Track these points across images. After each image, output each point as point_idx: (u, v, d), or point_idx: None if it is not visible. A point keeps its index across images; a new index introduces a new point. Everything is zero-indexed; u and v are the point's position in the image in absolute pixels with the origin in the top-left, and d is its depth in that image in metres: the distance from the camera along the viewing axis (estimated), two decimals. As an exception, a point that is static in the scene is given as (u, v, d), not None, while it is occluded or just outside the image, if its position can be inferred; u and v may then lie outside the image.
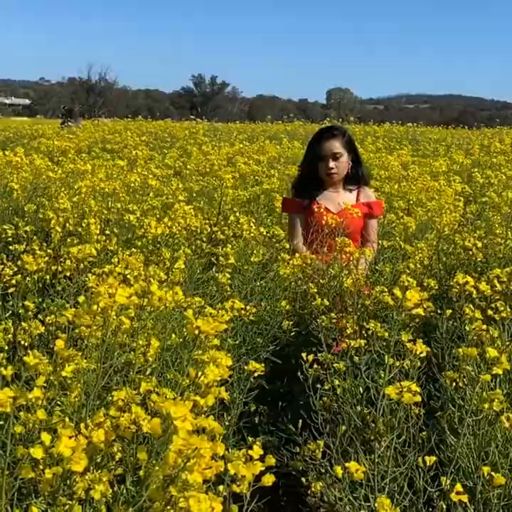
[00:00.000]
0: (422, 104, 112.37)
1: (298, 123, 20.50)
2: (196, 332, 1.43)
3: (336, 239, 3.43)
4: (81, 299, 1.46)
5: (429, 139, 14.72)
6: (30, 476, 1.08)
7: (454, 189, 5.33)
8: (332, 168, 4.06)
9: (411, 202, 5.12)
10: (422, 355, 1.89)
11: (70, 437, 1.08)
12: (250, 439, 2.26)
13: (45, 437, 1.07)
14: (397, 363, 1.91)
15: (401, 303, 1.62)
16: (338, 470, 1.50)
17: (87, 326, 1.43)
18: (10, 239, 3.66)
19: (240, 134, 15.66)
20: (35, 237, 3.72)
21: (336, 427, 2.18)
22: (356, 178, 4.18)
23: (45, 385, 1.19)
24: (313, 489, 2.01)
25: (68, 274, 3.14)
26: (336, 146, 4.07)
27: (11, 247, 3.34)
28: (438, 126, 22.52)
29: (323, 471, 2.02)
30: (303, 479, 2.10)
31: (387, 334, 2.32)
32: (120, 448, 1.44)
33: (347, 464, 1.43)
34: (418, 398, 1.63)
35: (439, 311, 2.64)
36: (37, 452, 1.06)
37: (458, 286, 2.50)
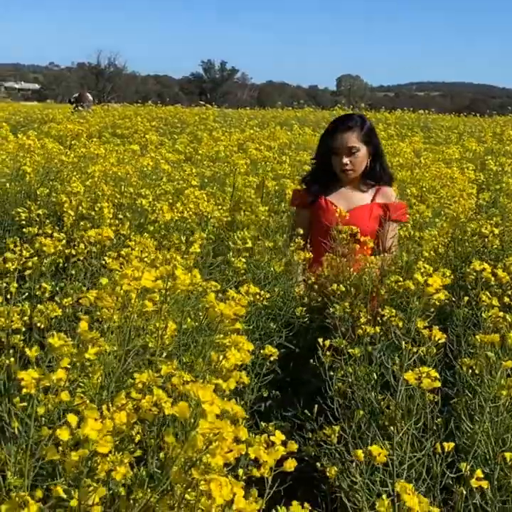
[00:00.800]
0: (433, 92, 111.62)
1: (308, 109, 20.39)
2: (218, 315, 1.43)
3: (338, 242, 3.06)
4: (104, 281, 1.46)
5: (441, 127, 14.62)
6: (55, 458, 1.08)
7: (467, 176, 5.31)
8: (346, 164, 3.67)
9: (424, 189, 5.10)
10: (440, 341, 1.88)
11: (96, 420, 1.09)
12: (263, 424, 2.26)
13: (72, 419, 1.07)
14: (414, 349, 1.90)
15: (421, 288, 1.61)
16: (360, 453, 1.50)
17: (109, 308, 1.43)
18: (23, 222, 3.67)
19: (251, 120, 15.59)
20: (47, 221, 3.72)
21: (351, 413, 2.19)
22: (374, 175, 3.76)
23: (68, 366, 1.19)
24: (328, 474, 2.01)
25: (81, 257, 3.15)
26: (352, 139, 3.66)
27: (24, 230, 3.35)
28: (449, 114, 22.37)
29: (338, 456, 2.02)
30: (317, 464, 2.10)
31: (401, 323, 2.32)
32: (140, 430, 1.44)
33: (369, 448, 1.43)
34: (437, 384, 1.63)
35: (453, 299, 2.63)
36: (63, 434, 1.06)
37: (474, 273, 2.49)
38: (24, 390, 1.13)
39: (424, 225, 3.93)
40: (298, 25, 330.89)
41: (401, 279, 2.24)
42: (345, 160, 3.67)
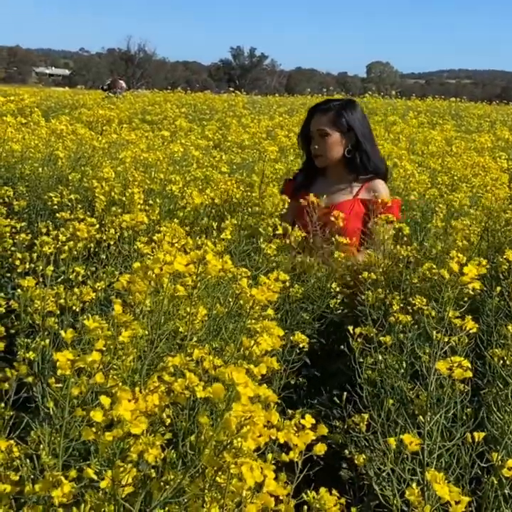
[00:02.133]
0: (464, 80, 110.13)
1: (338, 96, 20.25)
2: (250, 301, 1.43)
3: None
4: (136, 265, 1.48)
5: (473, 115, 14.42)
6: (90, 438, 1.10)
7: (499, 165, 5.23)
8: (314, 149, 3.51)
9: (455, 178, 5.04)
10: (471, 331, 1.86)
11: (129, 400, 1.10)
12: (290, 411, 2.27)
13: (105, 400, 1.09)
14: (445, 339, 1.89)
15: (455, 278, 1.60)
16: (392, 441, 1.50)
17: (141, 292, 1.44)
18: (55, 207, 3.70)
19: (280, 107, 15.55)
20: (79, 206, 3.75)
21: (380, 401, 2.18)
22: (354, 166, 3.49)
23: (103, 349, 1.21)
24: (356, 462, 2.01)
25: (112, 242, 3.18)
26: (322, 122, 3.48)
27: (56, 215, 3.38)
28: (481, 102, 22.04)
29: (366, 444, 2.02)
30: (345, 451, 2.11)
31: (434, 312, 2.30)
32: (170, 413, 1.46)
33: (401, 436, 1.43)
34: (469, 374, 1.61)
35: (485, 289, 2.60)
36: (97, 415, 1.08)
37: (507, 263, 2.46)
38: (59, 371, 1.15)
39: (455, 214, 3.89)
40: (328, 12, 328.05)
41: (434, 266, 2.22)
42: (314, 144, 3.52)
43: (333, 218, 3.00)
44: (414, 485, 1.37)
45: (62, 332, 1.23)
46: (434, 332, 1.83)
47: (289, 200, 3.48)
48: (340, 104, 3.57)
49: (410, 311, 2.41)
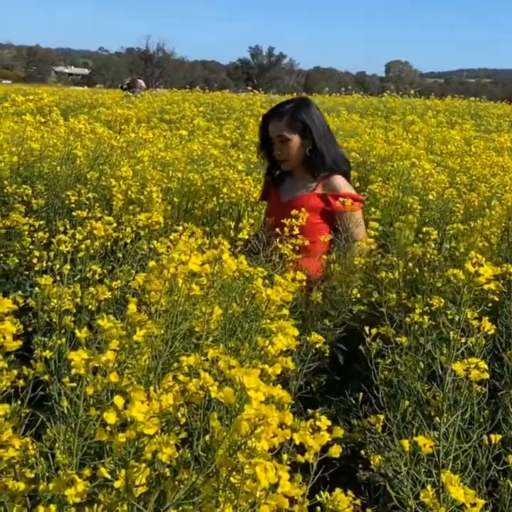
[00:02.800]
0: (484, 79, 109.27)
1: (356, 96, 20.20)
2: (265, 301, 1.43)
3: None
4: (151, 264, 1.48)
5: (492, 114, 14.31)
6: (104, 439, 1.10)
7: (519, 165, 5.18)
8: (278, 155, 3.50)
9: (474, 177, 5.00)
10: (489, 332, 1.85)
11: (143, 402, 1.10)
12: (310, 411, 2.26)
13: (118, 401, 1.09)
14: (462, 340, 1.87)
15: (472, 278, 1.58)
16: (406, 443, 1.49)
17: (156, 291, 1.44)
18: (73, 205, 3.72)
19: (298, 106, 15.47)
20: (96, 205, 3.77)
21: (396, 402, 2.17)
22: (311, 165, 3.46)
23: (117, 348, 1.21)
24: (371, 462, 2.00)
25: (128, 241, 3.19)
26: (280, 128, 3.46)
27: (73, 213, 3.40)
28: (500, 101, 21.85)
29: (382, 444, 2.01)
30: (362, 452, 2.10)
31: (450, 313, 2.28)
32: (184, 413, 1.46)
33: (415, 438, 1.42)
34: (486, 375, 1.60)
35: (504, 290, 2.57)
36: (110, 417, 1.08)
37: (526, 264, 2.44)
38: (74, 370, 1.15)
39: (474, 214, 3.85)
40: (346, 11, 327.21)
41: (455, 272, 2.20)
42: (277, 150, 3.51)
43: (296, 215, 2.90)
44: (429, 487, 1.36)
45: (77, 331, 1.23)
46: (452, 333, 1.81)
47: (264, 201, 3.69)
48: (294, 107, 3.53)
49: (428, 311, 2.39)
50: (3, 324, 1.21)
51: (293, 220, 2.81)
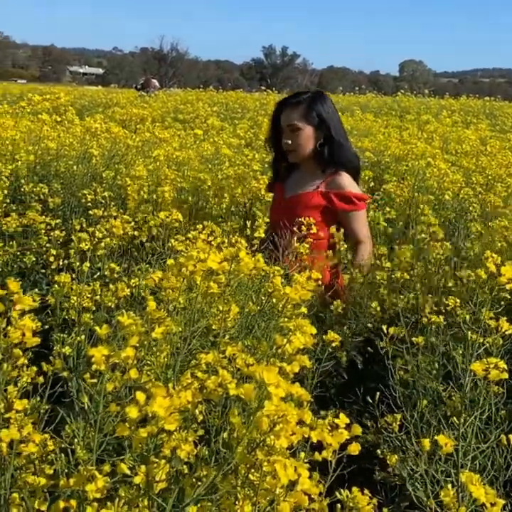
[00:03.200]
0: (498, 78, 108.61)
1: (370, 95, 20.12)
2: (284, 299, 1.43)
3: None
4: (170, 261, 1.48)
5: (507, 114, 14.23)
6: (125, 434, 1.11)
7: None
8: (287, 144, 3.38)
9: (490, 177, 4.98)
10: (506, 333, 1.84)
11: (164, 397, 1.10)
12: (322, 412, 2.26)
13: (140, 396, 1.09)
14: (480, 340, 1.87)
15: (492, 278, 1.58)
16: (426, 442, 1.49)
17: (173, 288, 1.45)
18: (89, 204, 3.75)
19: (312, 105, 15.45)
20: (112, 203, 3.79)
21: (412, 402, 2.17)
22: (321, 160, 3.36)
23: (137, 345, 1.21)
24: (388, 462, 1.99)
25: (144, 239, 3.20)
26: (293, 117, 3.35)
27: (90, 212, 3.42)
28: (516, 101, 21.68)
29: (398, 444, 2.00)
30: (378, 451, 2.09)
31: (468, 315, 2.27)
32: (202, 409, 1.46)
33: (436, 437, 1.41)
34: (505, 375, 1.59)
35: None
36: (132, 411, 1.08)
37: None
38: (94, 367, 1.16)
39: (491, 214, 3.83)
40: (360, 10, 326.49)
41: (471, 273, 2.18)
42: (287, 139, 3.38)
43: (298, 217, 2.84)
44: (449, 486, 1.36)
45: (97, 327, 1.24)
46: (469, 333, 1.81)
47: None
48: (311, 97, 3.43)
49: (443, 311, 2.39)
50: (23, 320, 1.22)
51: (303, 227, 2.78)
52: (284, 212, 3.01)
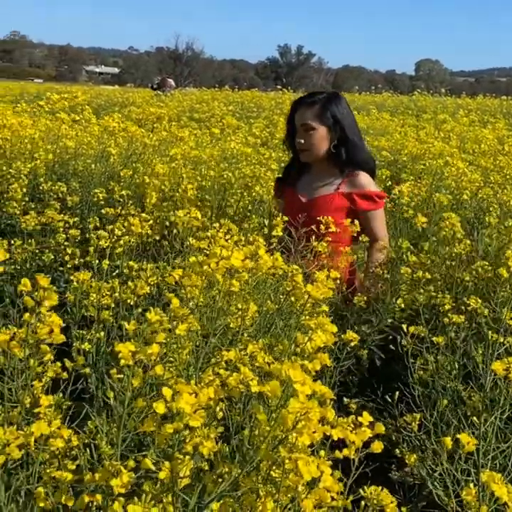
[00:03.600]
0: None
1: (386, 94, 20.06)
2: (305, 297, 1.43)
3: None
4: (192, 259, 1.49)
5: (525, 113, 14.13)
6: (151, 430, 1.12)
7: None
8: (300, 143, 3.35)
9: (507, 176, 4.94)
10: (528, 332, 1.83)
11: (190, 394, 1.11)
12: (342, 406, 2.26)
13: (167, 392, 1.10)
14: (501, 339, 1.86)
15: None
16: (448, 441, 1.48)
17: (194, 286, 1.45)
18: (102, 202, 3.76)
19: (327, 104, 15.41)
20: (130, 202, 3.80)
21: (431, 402, 2.16)
22: (338, 161, 3.35)
23: (164, 341, 1.22)
24: (407, 461, 1.99)
25: (158, 237, 3.22)
26: (307, 116, 3.33)
27: (107, 210, 3.44)
28: (533, 100, 21.50)
29: (418, 443, 2.00)
30: (397, 450, 2.09)
31: (486, 311, 2.27)
32: (223, 407, 1.47)
33: (458, 436, 1.41)
34: (527, 375, 1.58)
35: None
36: (159, 407, 1.09)
37: None
38: (122, 362, 1.17)
39: (509, 213, 3.81)
40: (376, 9, 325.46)
41: (487, 264, 2.17)
42: (300, 138, 3.36)
43: (320, 220, 2.85)
44: (471, 485, 1.35)
45: (125, 323, 1.25)
46: (490, 332, 1.80)
47: (278, 199, 3.51)
48: (326, 97, 3.41)
49: (464, 311, 2.38)
50: (52, 317, 1.23)
51: (322, 226, 2.78)
52: (304, 215, 2.98)
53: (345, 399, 2.24)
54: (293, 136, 3.44)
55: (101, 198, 3.76)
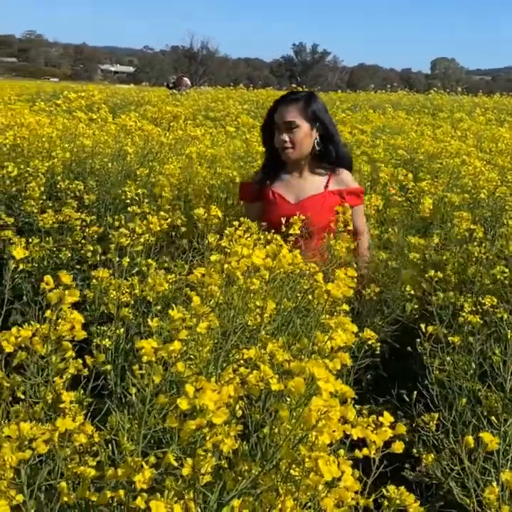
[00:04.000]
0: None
1: (402, 93, 19.95)
2: (325, 296, 1.43)
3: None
4: (213, 258, 1.50)
5: (542, 112, 14.01)
6: (174, 426, 1.12)
7: None
8: (285, 141, 3.31)
9: (525, 176, 4.91)
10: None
11: (213, 391, 1.12)
12: (357, 406, 2.25)
13: (189, 389, 1.11)
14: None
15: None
16: (470, 440, 1.48)
17: (216, 284, 1.46)
18: (128, 201, 3.77)
19: (342, 103, 15.42)
20: (146, 200, 3.81)
21: (448, 402, 2.16)
22: (328, 157, 3.38)
23: (186, 338, 1.23)
24: (424, 461, 1.99)
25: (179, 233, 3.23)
26: (292, 114, 3.31)
27: (129, 209, 3.44)
28: (550, 99, 21.33)
29: (435, 443, 2.00)
30: (413, 450, 2.09)
31: (506, 315, 2.25)
32: (242, 405, 1.47)
33: (480, 435, 1.41)
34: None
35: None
36: (183, 403, 1.10)
37: None
38: (145, 358, 1.18)
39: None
40: (392, 7, 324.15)
41: (506, 270, 2.17)
42: (284, 136, 3.31)
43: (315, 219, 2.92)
44: (494, 484, 1.35)
45: (149, 320, 1.26)
46: (509, 332, 1.79)
47: (252, 203, 3.44)
48: (307, 96, 3.44)
49: (480, 311, 2.37)
50: (73, 314, 1.25)
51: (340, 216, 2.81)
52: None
53: (356, 405, 2.24)
54: (271, 136, 3.41)
55: (129, 197, 3.75)
